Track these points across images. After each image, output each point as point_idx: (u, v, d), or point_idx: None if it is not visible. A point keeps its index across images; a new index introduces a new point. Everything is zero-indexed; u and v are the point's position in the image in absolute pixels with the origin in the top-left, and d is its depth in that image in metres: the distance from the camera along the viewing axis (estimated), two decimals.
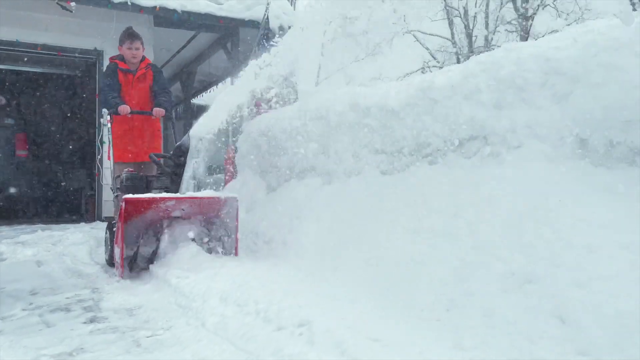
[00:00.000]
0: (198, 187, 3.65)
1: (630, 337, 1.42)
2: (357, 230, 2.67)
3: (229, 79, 10.09)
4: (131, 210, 3.03)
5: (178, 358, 1.79)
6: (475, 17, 12.53)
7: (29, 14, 6.91)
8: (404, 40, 13.03)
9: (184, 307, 2.38)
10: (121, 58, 4.42)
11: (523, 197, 2.04)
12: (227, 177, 5.24)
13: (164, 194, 3.19)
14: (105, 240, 3.81)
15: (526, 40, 10.42)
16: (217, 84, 11.74)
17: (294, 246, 2.99)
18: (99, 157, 7.14)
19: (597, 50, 2.02)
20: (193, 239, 3.14)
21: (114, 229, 3.37)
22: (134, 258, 3.13)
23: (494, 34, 12.30)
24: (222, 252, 3.23)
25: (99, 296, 2.75)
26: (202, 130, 3.55)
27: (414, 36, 13.11)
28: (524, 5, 11.53)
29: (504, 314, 1.70)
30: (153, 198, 3.08)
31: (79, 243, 4.56)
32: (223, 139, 4.41)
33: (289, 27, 8.24)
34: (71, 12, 6.70)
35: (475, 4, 12.37)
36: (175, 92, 10.43)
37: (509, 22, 12.09)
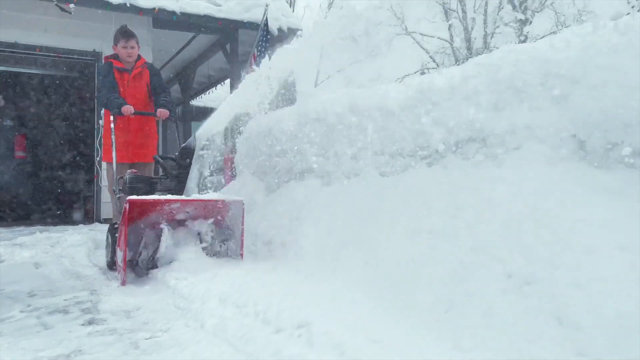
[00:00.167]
0: (200, 189, 3.64)
1: (629, 338, 1.42)
2: (357, 231, 2.67)
3: (228, 81, 10.09)
4: (135, 212, 2.99)
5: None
6: (474, 19, 12.58)
7: (28, 16, 6.91)
8: (403, 42, 13.07)
9: (183, 309, 2.37)
10: (116, 57, 4.36)
11: (522, 198, 2.04)
12: (226, 179, 5.23)
13: (169, 196, 3.16)
14: (106, 243, 3.74)
15: (524, 42, 10.44)
16: (216, 86, 11.75)
17: (294, 247, 2.99)
18: (98, 158, 7.13)
19: (595, 51, 2.02)
20: (198, 242, 3.11)
21: (116, 233, 3.31)
22: (137, 261, 3.10)
23: (492, 37, 12.35)
24: (227, 255, 3.20)
25: (97, 298, 2.74)
26: (208, 132, 3.55)
27: (413, 38, 13.14)
28: (522, 6, 11.58)
29: (504, 315, 1.70)
30: (158, 200, 3.05)
31: (77, 245, 4.53)
32: (223, 140, 4.41)
33: (288, 29, 8.25)
34: (70, 13, 6.71)
35: (474, 5, 12.42)
36: (174, 94, 10.42)
37: (507, 25, 12.14)
